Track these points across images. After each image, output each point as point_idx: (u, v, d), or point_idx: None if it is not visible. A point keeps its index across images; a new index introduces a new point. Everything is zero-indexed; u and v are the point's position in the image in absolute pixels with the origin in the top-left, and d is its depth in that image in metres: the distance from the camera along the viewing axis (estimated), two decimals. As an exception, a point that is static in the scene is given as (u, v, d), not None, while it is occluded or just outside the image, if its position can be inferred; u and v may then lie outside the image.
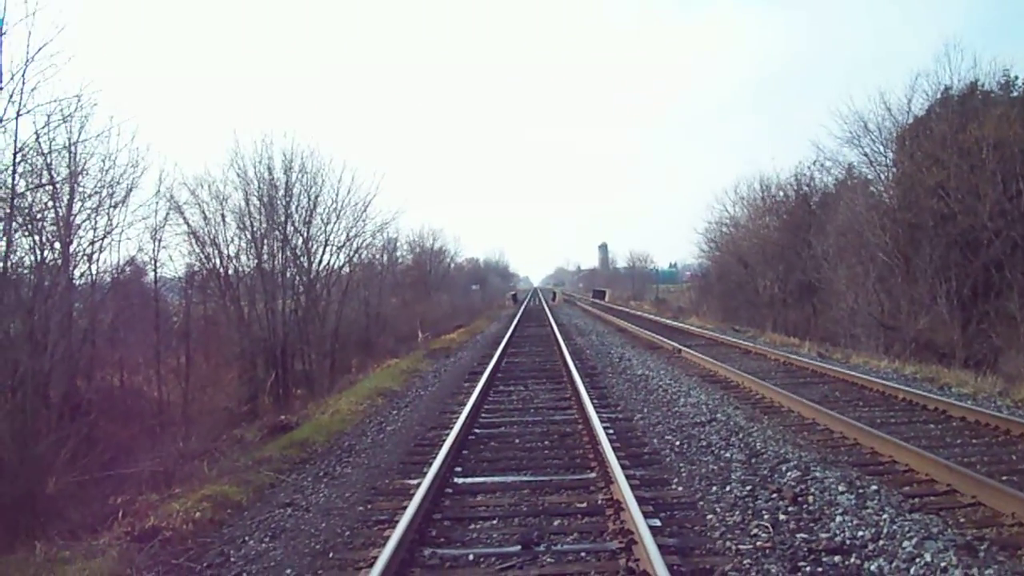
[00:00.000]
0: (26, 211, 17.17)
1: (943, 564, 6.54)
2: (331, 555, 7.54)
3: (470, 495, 9.42)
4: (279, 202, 32.86)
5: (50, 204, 18.06)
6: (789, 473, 9.70)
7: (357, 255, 40.60)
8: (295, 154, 33.52)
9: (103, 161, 19.62)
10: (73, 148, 18.23)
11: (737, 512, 8.25)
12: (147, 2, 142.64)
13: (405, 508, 8.11)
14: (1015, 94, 33.23)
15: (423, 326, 42.11)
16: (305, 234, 34.35)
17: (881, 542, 7.18)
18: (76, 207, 18.86)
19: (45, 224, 17.89)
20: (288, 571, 7.20)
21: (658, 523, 7.82)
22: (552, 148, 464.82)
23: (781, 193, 52.12)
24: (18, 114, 15.67)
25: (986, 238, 29.45)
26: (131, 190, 20.93)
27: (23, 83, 15.52)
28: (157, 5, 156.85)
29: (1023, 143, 29.07)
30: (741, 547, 7.22)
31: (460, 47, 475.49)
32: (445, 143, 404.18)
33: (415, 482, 9.56)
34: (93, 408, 17.67)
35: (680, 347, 25.12)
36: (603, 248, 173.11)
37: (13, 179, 16.15)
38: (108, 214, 20.17)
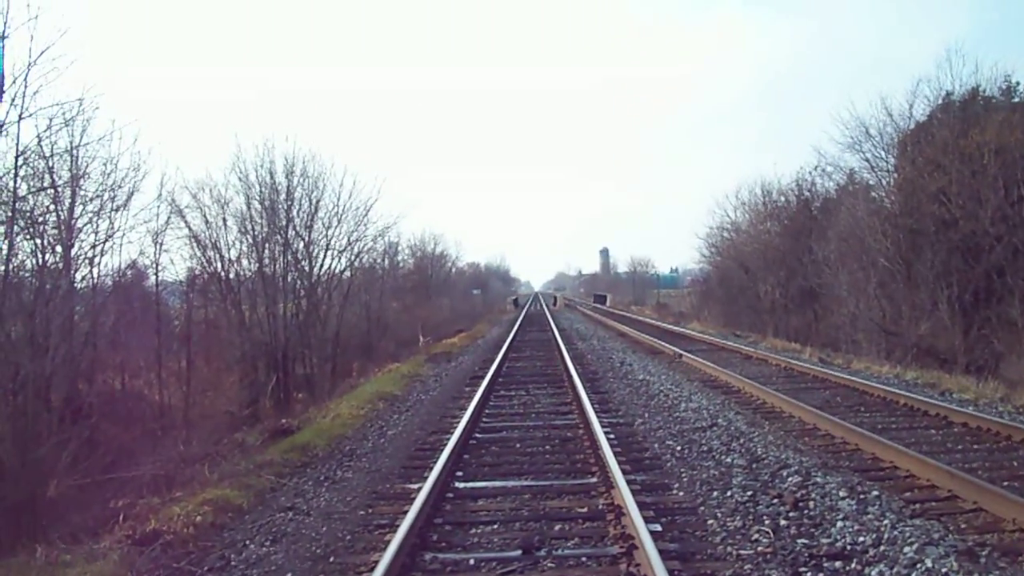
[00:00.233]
0: (28, 214, 17.20)
1: (944, 570, 6.54)
2: (332, 559, 7.54)
3: (471, 500, 9.41)
4: (280, 206, 32.85)
5: (52, 207, 18.11)
6: (790, 478, 9.70)
7: (358, 259, 40.60)
8: (296, 158, 33.55)
9: (105, 165, 19.67)
10: (75, 152, 18.27)
11: (738, 517, 8.24)
12: (150, 6, 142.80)
13: (406, 512, 8.11)
14: (1016, 100, 33.26)
15: (424, 330, 42.13)
16: (306, 238, 34.35)
17: (882, 548, 7.18)
18: (78, 211, 18.92)
19: (47, 228, 17.93)
20: (289, 575, 7.20)
21: (659, 528, 7.82)
22: (555, 153, 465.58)
23: (782, 198, 52.17)
24: (20, 118, 15.71)
25: (988, 244, 29.46)
26: (133, 194, 20.99)
27: (25, 87, 15.56)
28: (160, 9, 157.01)
29: (1024, 149, 29.09)
30: (742, 552, 7.22)
31: (463, 52, 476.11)
32: (447, 148, 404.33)
33: (416, 486, 9.56)
34: (94, 411, 17.68)
35: (681, 352, 25.11)
36: (604, 253, 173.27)
37: (15, 182, 16.18)
38: (110, 218, 20.23)
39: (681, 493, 9.35)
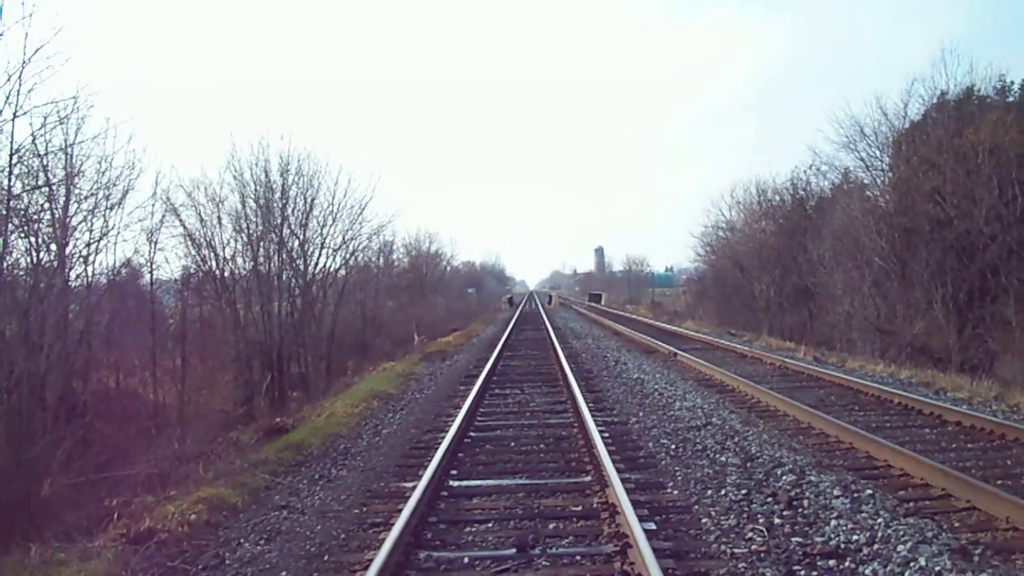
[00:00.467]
0: (22, 213, 17.17)
1: (937, 568, 6.56)
2: (326, 558, 7.54)
3: (465, 498, 9.42)
4: (275, 204, 32.82)
5: (46, 206, 18.07)
6: (784, 477, 9.71)
7: (353, 258, 40.60)
8: (291, 156, 33.52)
9: (99, 163, 19.61)
10: (69, 150, 18.22)
11: (732, 516, 8.26)
12: (145, 4, 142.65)
13: (400, 511, 8.11)
14: (1011, 99, 33.32)
15: (419, 329, 42.13)
16: (301, 236, 34.33)
17: (876, 546, 7.20)
18: (72, 209, 18.86)
19: (41, 226, 17.89)
20: (283, 573, 7.20)
21: (653, 526, 7.83)
22: (549, 152, 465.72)
23: (777, 197, 52.24)
24: (15, 115, 15.67)
25: (982, 243, 29.50)
26: (127, 192, 20.93)
27: (20, 84, 15.53)
28: (154, 7, 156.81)
29: (1019, 148, 29.14)
30: (736, 551, 7.23)
31: (458, 50, 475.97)
32: (442, 146, 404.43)
33: (410, 485, 9.56)
34: (89, 410, 17.66)
35: (676, 351, 25.13)
36: (599, 252, 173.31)
37: (9, 181, 16.15)
38: (104, 216, 20.17)
39: (675, 492, 9.36)
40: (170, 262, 28.04)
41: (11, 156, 15.91)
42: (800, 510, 8.40)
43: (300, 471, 11.36)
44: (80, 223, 19.32)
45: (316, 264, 35.59)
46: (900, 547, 7.07)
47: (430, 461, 10.37)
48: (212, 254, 29.83)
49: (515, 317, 55.85)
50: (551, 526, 8.12)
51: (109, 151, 19.89)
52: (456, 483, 10.08)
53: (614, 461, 9.94)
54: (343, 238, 37.56)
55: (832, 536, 7.54)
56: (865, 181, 39.92)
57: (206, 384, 24.20)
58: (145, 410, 21.26)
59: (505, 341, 32.01)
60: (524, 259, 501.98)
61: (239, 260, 31.39)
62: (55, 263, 18.11)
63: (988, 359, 27.09)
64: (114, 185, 20.25)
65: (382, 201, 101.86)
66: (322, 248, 35.91)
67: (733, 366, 21.56)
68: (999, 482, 9.14)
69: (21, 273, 17.47)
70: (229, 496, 9.69)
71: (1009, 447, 11.25)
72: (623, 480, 8.97)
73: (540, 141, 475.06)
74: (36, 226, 17.69)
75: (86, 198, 19.39)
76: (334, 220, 36.40)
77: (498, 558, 7.25)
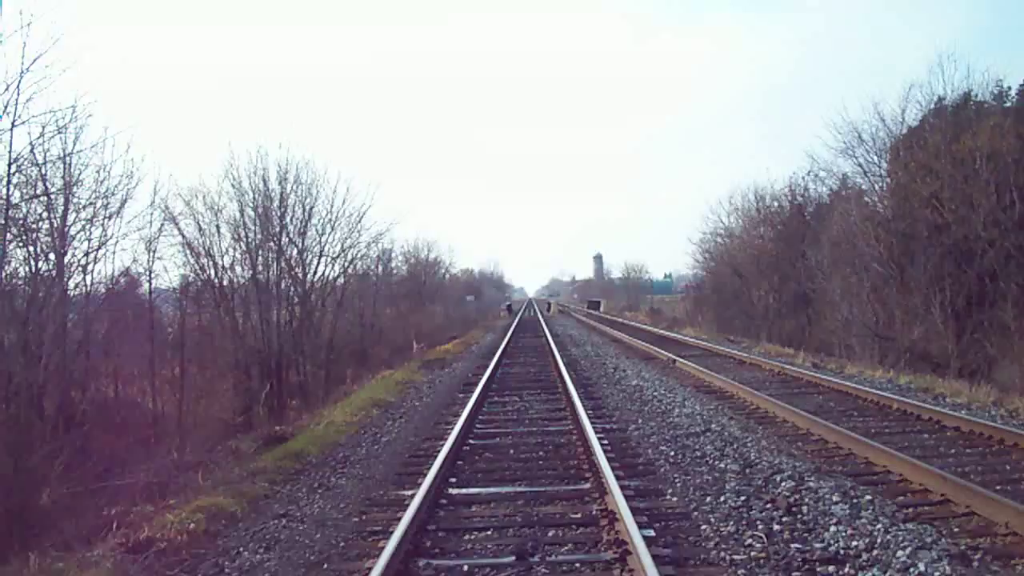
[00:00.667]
0: (21, 222, 17.16)
1: (937, 574, 6.57)
2: (325, 566, 7.55)
3: (465, 506, 9.42)
4: (274, 213, 32.83)
5: (45, 215, 18.06)
6: (783, 483, 9.71)
7: (352, 266, 40.59)
8: (290, 165, 33.51)
9: (98, 172, 19.58)
10: (68, 159, 18.22)
11: (731, 522, 8.26)
12: (143, 14, 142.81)
13: (400, 519, 8.11)
14: (1008, 104, 33.35)
15: (418, 337, 42.10)
16: (300, 245, 34.33)
17: (875, 552, 7.20)
18: (71, 218, 18.85)
19: (40, 235, 17.89)
20: (282, 582, 7.20)
21: (652, 533, 7.83)
22: (548, 159, 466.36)
23: (775, 203, 52.20)
24: (13, 125, 15.68)
25: (980, 248, 29.50)
26: (126, 201, 20.91)
27: (18, 94, 15.54)
28: (153, 17, 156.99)
29: (1017, 153, 29.14)
30: (735, 557, 7.23)
31: (457, 59, 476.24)
32: (441, 154, 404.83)
33: (410, 493, 9.56)
34: (87, 419, 17.64)
35: (675, 357, 25.14)
36: (598, 259, 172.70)
37: (8, 190, 16.15)
38: (103, 225, 20.16)
39: (675, 498, 9.36)
40: (169, 271, 28.14)
41: (9, 165, 15.91)
42: (799, 516, 8.40)
43: (299, 479, 11.36)
44: (79, 232, 19.33)
45: (315, 272, 35.61)
46: (899, 553, 7.07)
47: (429, 469, 10.37)
48: (211, 263, 29.83)
49: (514, 324, 55.89)
50: (550, 533, 8.12)
51: (107, 160, 19.86)
52: (455, 491, 10.08)
53: (613, 468, 9.94)
54: (342, 246, 37.57)
55: (831, 542, 7.53)
56: (863, 187, 39.93)
57: (205, 393, 24.17)
58: (144, 419, 21.23)
59: (504, 349, 32.01)
60: (523, 266, 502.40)
61: (238, 269, 31.40)
62: (53, 272, 18.11)
63: (987, 364, 27.07)
64: (112, 194, 20.25)
65: (380, 209, 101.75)
66: (320, 256, 35.92)
67: (732, 372, 21.57)
68: (998, 487, 9.14)
69: (19, 282, 17.47)
70: (228, 505, 9.68)
71: (1008, 452, 11.24)
72: (622, 487, 8.97)
73: (539, 148, 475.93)
74: (35, 235, 17.69)
75: (84, 207, 19.39)
76: (332, 228, 36.41)
77: (497, 566, 7.25)
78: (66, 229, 18.59)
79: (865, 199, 38.72)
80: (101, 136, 19.43)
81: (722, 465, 10.90)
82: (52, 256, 18.13)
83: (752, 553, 7.30)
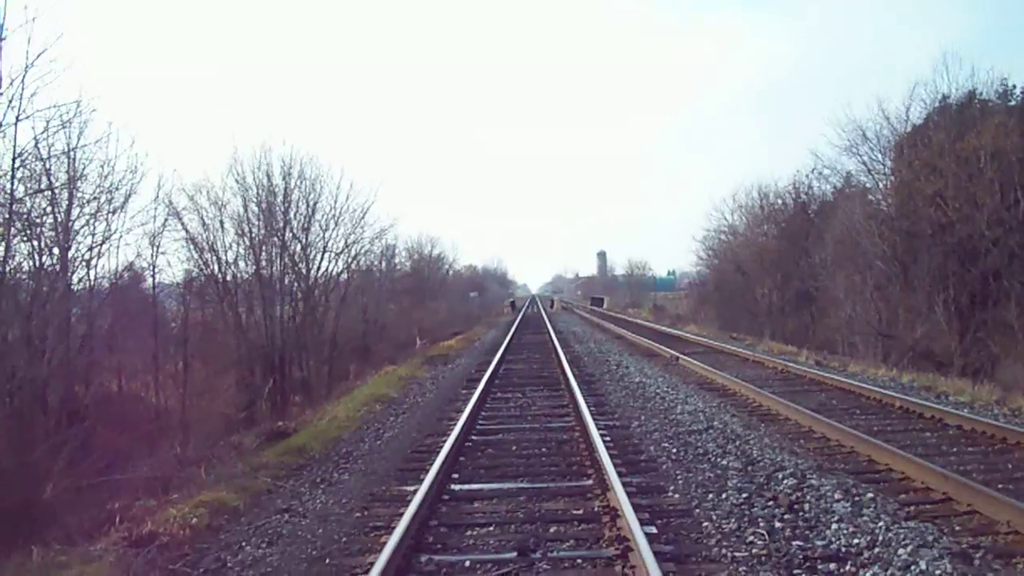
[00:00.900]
0: (25, 216, 17.19)
1: (938, 572, 6.56)
2: (328, 561, 7.55)
3: (467, 502, 9.42)
4: (277, 208, 32.92)
5: (49, 209, 18.09)
6: (785, 481, 9.71)
7: (355, 262, 40.70)
8: (294, 161, 33.64)
9: (102, 167, 19.65)
10: (72, 153, 18.26)
11: (733, 519, 8.26)
12: (147, 9, 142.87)
13: (402, 515, 8.11)
14: (1013, 103, 33.35)
15: (421, 333, 42.13)
16: (303, 240, 34.42)
17: (876, 550, 7.20)
18: (75, 212, 18.90)
19: (44, 229, 17.92)
20: (285, 577, 7.21)
21: (654, 530, 7.83)
22: (551, 156, 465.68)
23: (779, 201, 52.29)
24: (17, 119, 15.70)
25: (984, 247, 29.51)
26: (130, 196, 20.99)
27: (23, 88, 15.56)
28: (157, 12, 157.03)
29: (1021, 152, 29.15)
30: (737, 554, 7.24)
31: (461, 56, 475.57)
32: (445, 151, 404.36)
33: (412, 489, 9.56)
34: (90, 414, 17.67)
35: (678, 355, 25.13)
36: (601, 256, 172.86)
37: (12, 184, 16.18)
38: (107, 220, 20.22)
39: (677, 495, 9.36)
40: (172, 266, 28.02)
41: (14, 160, 15.93)
42: (801, 514, 8.40)
43: (302, 475, 11.37)
44: (83, 227, 19.38)
45: (318, 268, 35.78)
46: (901, 551, 7.07)
47: (432, 465, 10.37)
48: (214, 258, 29.95)
49: (517, 321, 55.87)
50: (552, 530, 8.12)
51: (111, 155, 19.94)
52: (458, 487, 10.09)
53: (615, 464, 9.94)
54: (345, 242, 37.72)
55: (833, 540, 7.54)
56: (867, 185, 40.02)
57: (208, 388, 24.22)
58: (147, 414, 21.27)
59: (507, 345, 32.00)
60: (526, 263, 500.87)
61: (241, 264, 31.52)
62: (57, 267, 18.15)
63: (990, 363, 27.10)
64: (116, 189, 20.32)
65: (384, 205, 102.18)
66: (324, 252, 36.07)
67: (735, 370, 21.55)
68: (1000, 486, 9.13)
69: (24, 277, 17.51)
70: (231, 500, 9.69)
71: (1010, 451, 11.24)
72: (624, 484, 8.97)
73: (542, 147, 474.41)
74: (39, 230, 17.72)
75: (88, 202, 19.45)
76: (336, 224, 36.56)
77: (499, 562, 7.26)
78: (70, 224, 18.63)
79: (869, 197, 38.78)
80: (105, 131, 19.51)
81: (724, 462, 10.90)
82: (56, 251, 18.17)
83: (754, 550, 7.30)
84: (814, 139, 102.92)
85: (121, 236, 21.31)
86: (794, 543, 7.47)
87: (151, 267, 24.83)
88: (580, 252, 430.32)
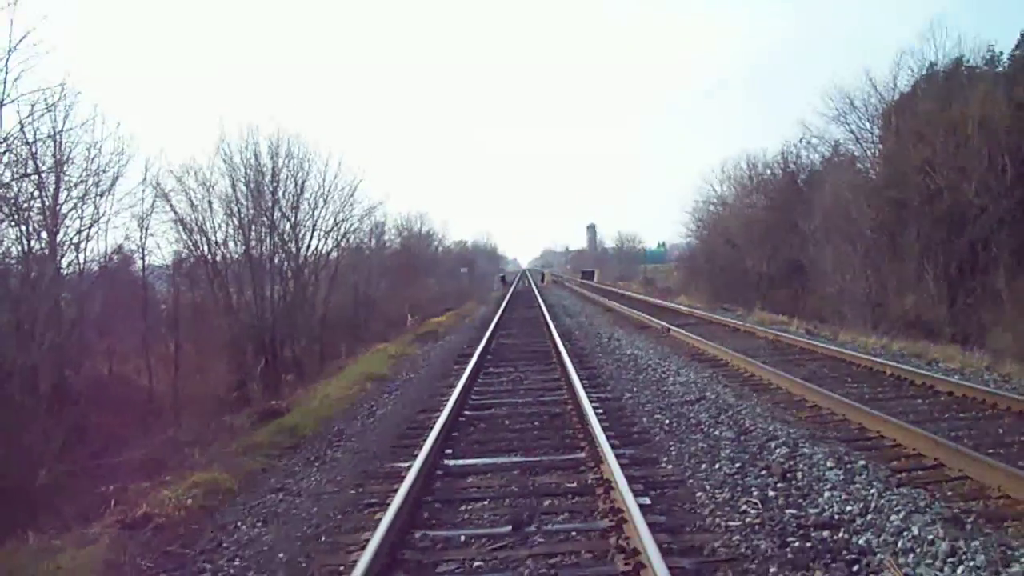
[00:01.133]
0: (12, 201, 17.14)
1: (930, 537, 6.60)
2: (323, 539, 7.57)
3: (460, 477, 9.44)
4: (266, 188, 32.81)
5: (36, 194, 18.05)
6: (778, 450, 9.74)
7: (345, 240, 40.63)
8: (281, 139, 33.50)
9: (88, 150, 19.59)
10: (58, 137, 18.21)
11: (726, 489, 8.29)
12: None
13: (396, 491, 8.12)
14: (999, 70, 33.35)
15: (412, 310, 42.13)
16: (292, 219, 34.34)
17: (869, 516, 7.24)
18: (62, 196, 18.86)
19: (31, 214, 17.88)
20: (280, 555, 7.22)
21: (648, 501, 7.85)
22: (540, 130, 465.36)
23: (768, 172, 52.34)
24: (1, 103, 15.69)
25: (972, 214, 29.56)
26: (117, 178, 20.93)
27: (6, 72, 15.53)
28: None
29: (1008, 119, 29.15)
30: (731, 524, 7.27)
31: (446, 27, 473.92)
32: (433, 127, 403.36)
33: (405, 465, 9.57)
34: (82, 398, 17.67)
35: (669, 326, 25.14)
36: (591, 229, 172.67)
37: (-2, 169, 16.13)
38: (95, 203, 20.16)
39: (670, 466, 9.39)
40: (161, 248, 28.08)
41: (-1, 144, 15.88)
42: (794, 482, 8.44)
43: (295, 454, 11.37)
44: (70, 210, 19.34)
45: (308, 247, 35.69)
46: (893, 517, 7.11)
47: (425, 441, 10.37)
48: (203, 239, 29.83)
49: (508, 296, 55.84)
50: (546, 503, 8.15)
51: (98, 138, 19.90)
52: (451, 462, 10.10)
53: (608, 437, 9.96)
54: (334, 220, 37.66)
55: (826, 507, 7.58)
56: (855, 154, 40.08)
57: (200, 369, 24.21)
58: (139, 397, 21.28)
59: (498, 320, 31.95)
60: (516, 238, 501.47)
61: (231, 244, 31.41)
62: (46, 251, 18.11)
63: (979, 330, 27.18)
64: (104, 172, 20.27)
65: (373, 183, 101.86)
66: (313, 231, 36.01)
67: (726, 341, 21.56)
68: (991, 451, 9.18)
69: (12, 262, 17.47)
70: (225, 480, 9.69)
71: (1000, 416, 11.29)
72: (617, 456, 9.00)
73: (530, 121, 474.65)
74: (26, 214, 17.69)
75: (76, 185, 19.39)
76: (325, 202, 36.48)
77: (494, 536, 7.28)
78: (58, 208, 18.59)
79: (857, 166, 38.84)
80: (91, 114, 19.48)
81: (717, 433, 10.93)
82: (44, 235, 18.14)
83: (747, 519, 7.33)
84: (803, 111, 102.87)
85: (109, 219, 21.31)
86: (787, 511, 7.51)
87: (140, 249, 24.83)
88: (570, 226, 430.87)
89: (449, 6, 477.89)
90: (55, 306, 17.84)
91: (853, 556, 6.45)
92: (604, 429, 10.41)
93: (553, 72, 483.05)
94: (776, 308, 38.32)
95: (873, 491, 7.83)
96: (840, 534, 6.92)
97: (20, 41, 15.37)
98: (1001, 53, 34.00)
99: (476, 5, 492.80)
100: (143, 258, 25.18)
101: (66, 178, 18.90)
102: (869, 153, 38.47)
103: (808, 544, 6.71)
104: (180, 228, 28.59)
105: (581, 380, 14.56)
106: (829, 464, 8.88)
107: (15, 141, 16.67)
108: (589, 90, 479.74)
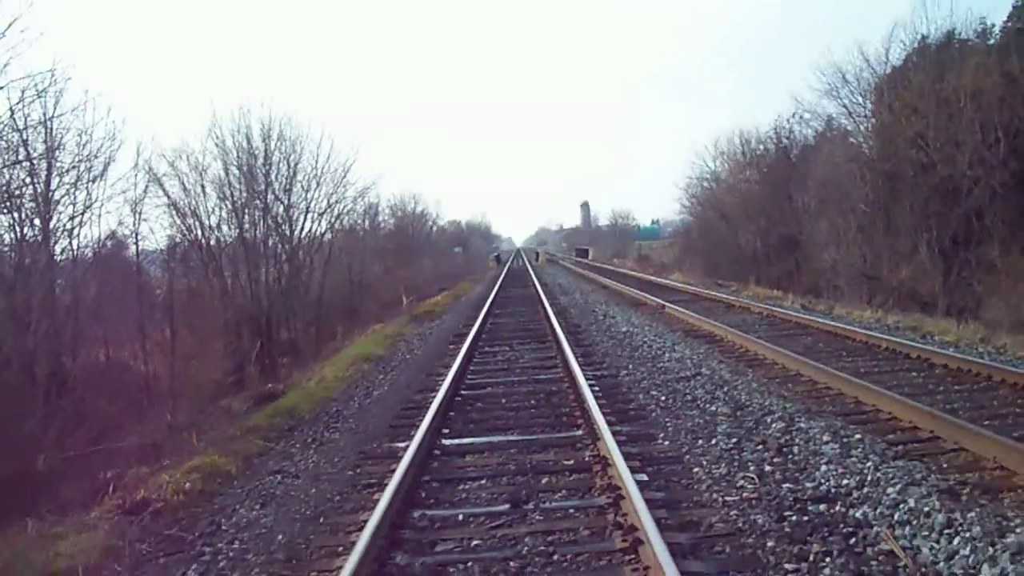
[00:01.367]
0: (3, 188, 17.10)
1: (926, 509, 6.63)
2: (321, 520, 7.59)
3: (458, 456, 9.47)
4: (259, 171, 32.72)
5: (28, 181, 18.00)
6: (774, 425, 9.78)
7: (338, 221, 40.60)
8: (273, 122, 33.36)
9: (80, 135, 19.52)
10: (49, 123, 18.14)
11: (723, 464, 8.32)
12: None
13: (393, 471, 8.15)
14: (992, 42, 33.28)
15: (407, 291, 42.11)
16: (286, 202, 34.25)
17: (865, 489, 7.27)
18: (54, 183, 18.80)
19: (24, 201, 17.84)
20: (279, 537, 7.24)
21: (645, 478, 7.88)
22: (532, 108, 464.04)
23: (761, 147, 52.23)
24: (-9, 91, 15.58)
25: (965, 187, 29.52)
26: (109, 164, 20.86)
27: (-4, 59, 15.42)
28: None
29: (1000, 91, 29.09)
30: (728, 499, 7.30)
31: (436, 7, 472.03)
32: (425, 107, 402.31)
33: (403, 445, 9.60)
34: (79, 384, 17.68)
35: (663, 303, 25.17)
36: (585, 207, 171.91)
37: (-11, 156, 16.09)
38: (87, 188, 20.11)
39: (666, 443, 9.42)
40: (155, 232, 27.98)
41: (-11, 132, 15.83)
42: (790, 457, 8.47)
43: (292, 436, 11.39)
44: (63, 197, 19.28)
45: (302, 229, 35.60)
46: (890, 490, 7.14)
47: (422, 421, 10.39)
48: (197, 223, 29.74)
49: (503, 275, 55.86)
50: (544, 481, 8.19)
51: (89, 123, 19.81)
52: (448, 442, 10.13)
53: (604, 414, 9.99)
54: (328, 202, 37.60)
55: (822, 481, 7.61)
56: (848, 128, 39.98)
57: (196, 354, 24.17)
58: (136, 382, 21.28)
59: (493, 299, 31.92)
60: (510, 217, 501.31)
61: (224, 228, 31.32)
62: (39, 238, 18.07)
63: (974, 302, 27.22)
64: (95, 157, 20.20)
65: (366, 164, 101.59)
66: (307, 213, 35.92)
67: (721, 316, 21.60)
68: (986, 423, 9.21)
69: (5, 249, 17.45)
70: (223, 464, 9.71)
71: (995, 388, 11.32)
72: (614, 433, 9.02)
73: (523, 96, 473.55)
74: (19, 201, 17.65)
75: (68, 171, 19.33)
76: (318, 184, 36.39)
77: (492, 514, 7.31)
78: (50, 194, 18.55)
79: (850, 140, 38.75)
80: (82, 99, 19.37)
81: (713, 408, 10.96)
82: (37, 222, 18.11)
83: (744, 494, 7.37)
84: (796, 85, 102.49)
85: (102, 204, 21.23)
86: (784, 486, 7.54)
87: (134, 235, 24.75)
88: (564, 204, 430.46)
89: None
90: (50, 293, 17.83)
91: (850, 529, 6.48)
92: (600, 407, 10.42)
93: (544, 48, 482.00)
94: (771, 283, 38.45)
95: (869, 464, 7.86)
96: (837, 508, 6.95)
97: (8, 28, 15.30)
98: (993, 25, 33.95)
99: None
100: (137, 243, 25.13)
101: (58, 164, 18.86)
102: (862, 127, 38.37)
103: (805, 518, 6.74)
104: (173, 212, 28.52)
105: (577, 358, 14.59)
106: (825, 438, 8.91)
107: (6, 128, 16.63)
108: (581, 66, 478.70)
